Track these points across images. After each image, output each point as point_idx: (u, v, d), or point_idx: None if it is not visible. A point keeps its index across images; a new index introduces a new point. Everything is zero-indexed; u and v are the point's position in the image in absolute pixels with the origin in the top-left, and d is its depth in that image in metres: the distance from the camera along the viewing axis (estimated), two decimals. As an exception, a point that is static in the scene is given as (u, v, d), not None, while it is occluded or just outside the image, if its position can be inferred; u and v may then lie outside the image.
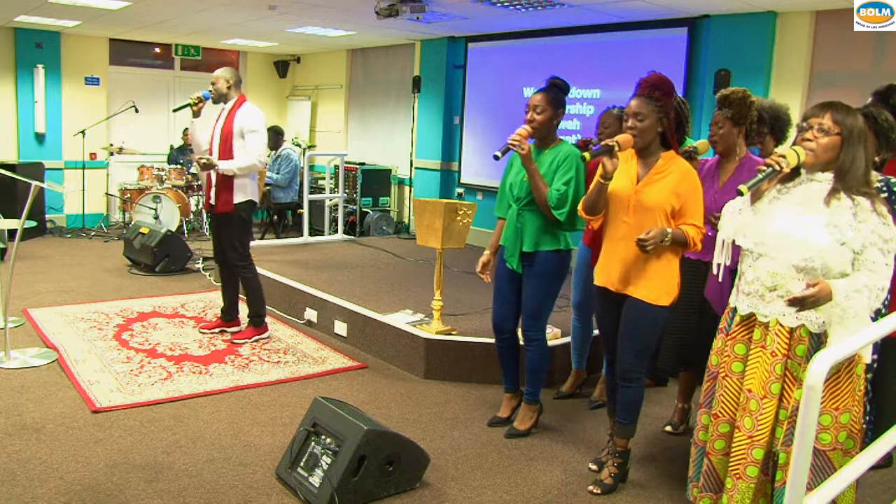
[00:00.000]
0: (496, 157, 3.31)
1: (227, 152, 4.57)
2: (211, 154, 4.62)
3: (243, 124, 4.56)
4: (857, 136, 2.33)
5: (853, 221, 2.27)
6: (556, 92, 3.39)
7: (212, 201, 4.69)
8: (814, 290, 2.20)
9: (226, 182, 4.58)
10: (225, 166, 4.51)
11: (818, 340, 2.33)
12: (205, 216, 9.26)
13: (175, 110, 4.87)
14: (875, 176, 3.03)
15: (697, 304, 3.30)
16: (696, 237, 2.85)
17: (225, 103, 4.68)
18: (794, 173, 2.45)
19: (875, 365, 3.15)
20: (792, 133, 3.39)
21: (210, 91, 4.66)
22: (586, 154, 2.93)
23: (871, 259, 2.26)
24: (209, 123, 4.69)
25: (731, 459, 2.45)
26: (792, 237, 2.33)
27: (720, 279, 2.61)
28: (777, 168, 2.35)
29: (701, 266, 3.26)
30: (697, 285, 3.27)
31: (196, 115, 4.68)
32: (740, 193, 2.36)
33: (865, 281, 2.23)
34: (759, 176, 2.37)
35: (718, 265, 2.56)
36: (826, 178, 2.36)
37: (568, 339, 4.26)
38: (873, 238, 2.26)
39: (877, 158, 3.01)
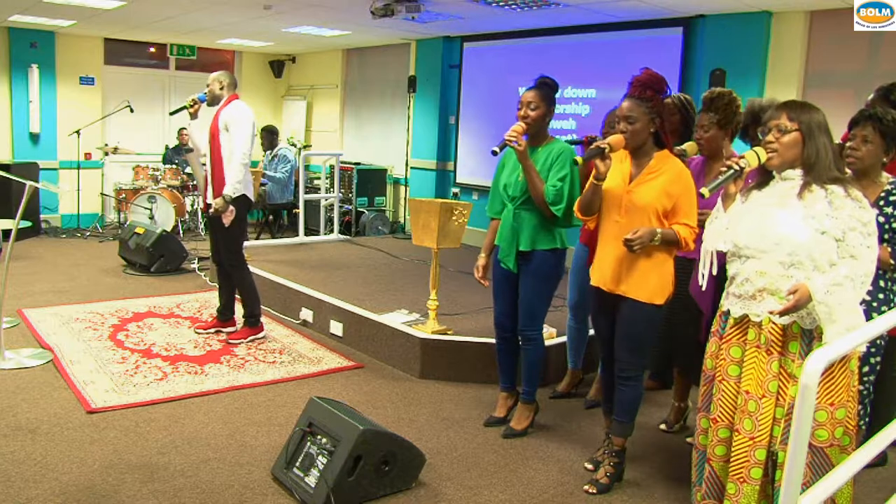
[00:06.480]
0: (494, 153, 3.33)
1: (217, 149, 4.64)
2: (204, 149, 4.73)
3: (227, 118, 4.62)
4: (816, 128, 2.36)
5: (829, 209, 2.30)
6: (548, 90, 3.43)
7: (209, 201, 4.73)
8: (794, 299, 2.24)
9: (220, 180, 4.61)
10: (228, 191, 4.55)
11: (810, 336, 2.35)
12: (200, 216, 9.24)
13: (171, 113, 4.93)
14: (886, 178, 3.03)
15: (686, 302, 3.30)
16: (687, 237, 2.86)
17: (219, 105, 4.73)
18: (767, 176, 2.48)
19: (878, 367, 3.13)
20: None
21: (205, 94, 4.73)
22: (578, 159, 2.96)
23: (854, 244, 2.27)
24: (206, 126, 4.74)
25: (733, 463, 2.43)
26: (773, 235, 2.35)
27: (703, 288, 2.62)
28: (737, 168, 2.41)
29: (689, 264, 3.26)
30: (686, 283, 3.27)
31: (193, 117, 4.76)
32: (702, 196, 2.42)
33: (846, 272, 2.25)
34: (720, 178, 2.43)
35: (703, 275, 2.57)
36: (796, 175, 2.40)
37: (563, 338, 4.26)
38: (852, 223, 2.28)
39: (885, 159, 3.00)
